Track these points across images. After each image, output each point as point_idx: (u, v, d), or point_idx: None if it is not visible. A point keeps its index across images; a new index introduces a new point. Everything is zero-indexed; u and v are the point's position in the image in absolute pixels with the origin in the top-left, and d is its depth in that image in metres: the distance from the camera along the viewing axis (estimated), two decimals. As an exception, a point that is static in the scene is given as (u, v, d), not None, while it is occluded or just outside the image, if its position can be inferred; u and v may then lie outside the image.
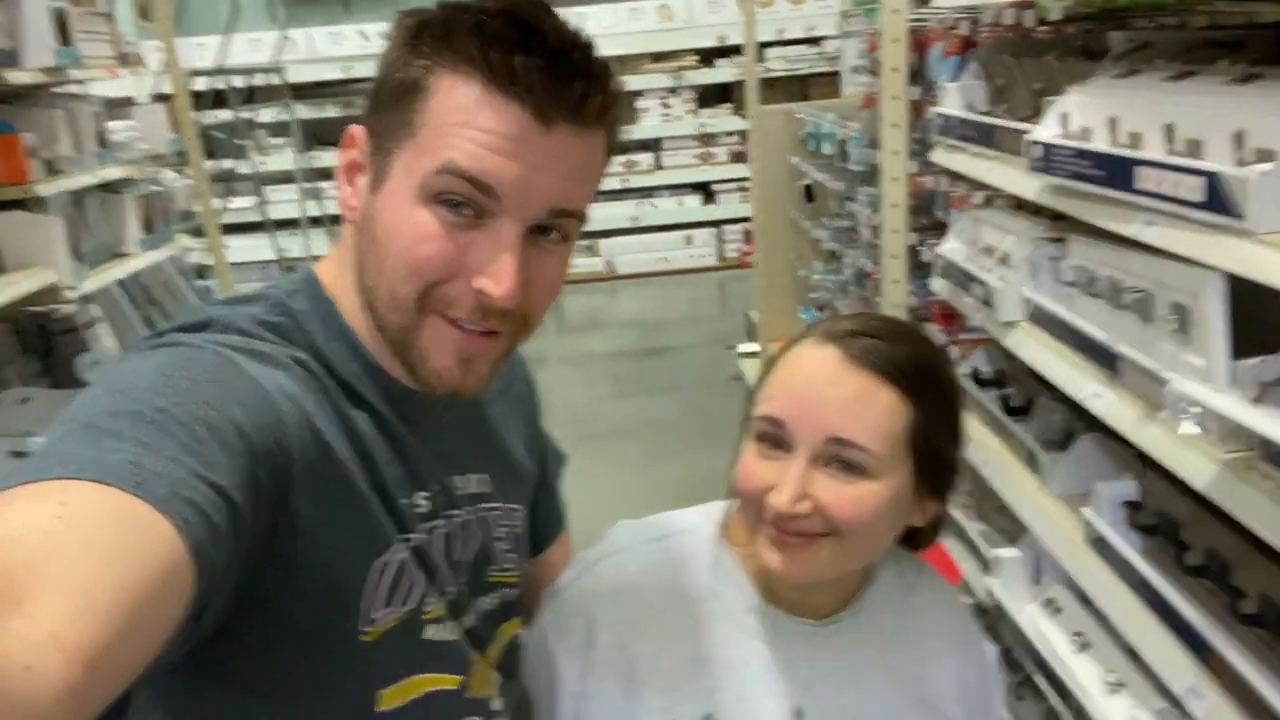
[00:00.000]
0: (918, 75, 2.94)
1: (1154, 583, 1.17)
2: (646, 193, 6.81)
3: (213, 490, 0.58)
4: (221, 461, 0.60)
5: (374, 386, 0.79)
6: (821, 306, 4.60)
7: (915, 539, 0.93)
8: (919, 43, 2.98)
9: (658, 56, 6.63)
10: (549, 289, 0.77)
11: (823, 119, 4.21)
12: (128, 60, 3.17)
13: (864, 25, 4.13)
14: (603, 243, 6.82)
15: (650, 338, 5.67)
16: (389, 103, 0.73)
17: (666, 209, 6.83)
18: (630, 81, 6.59)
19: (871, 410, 0.80)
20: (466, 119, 0.70)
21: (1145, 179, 1.07)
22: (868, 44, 3.45)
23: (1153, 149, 1.10)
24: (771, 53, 6.54)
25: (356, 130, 0.77)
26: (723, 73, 6.55)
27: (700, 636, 0.87)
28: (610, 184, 6.70)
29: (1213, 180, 0.96)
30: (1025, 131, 1.36)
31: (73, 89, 3.07)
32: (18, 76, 2.50)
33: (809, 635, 0.88)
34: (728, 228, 6.77)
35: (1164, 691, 1.23)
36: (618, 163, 6.70)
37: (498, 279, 0.72)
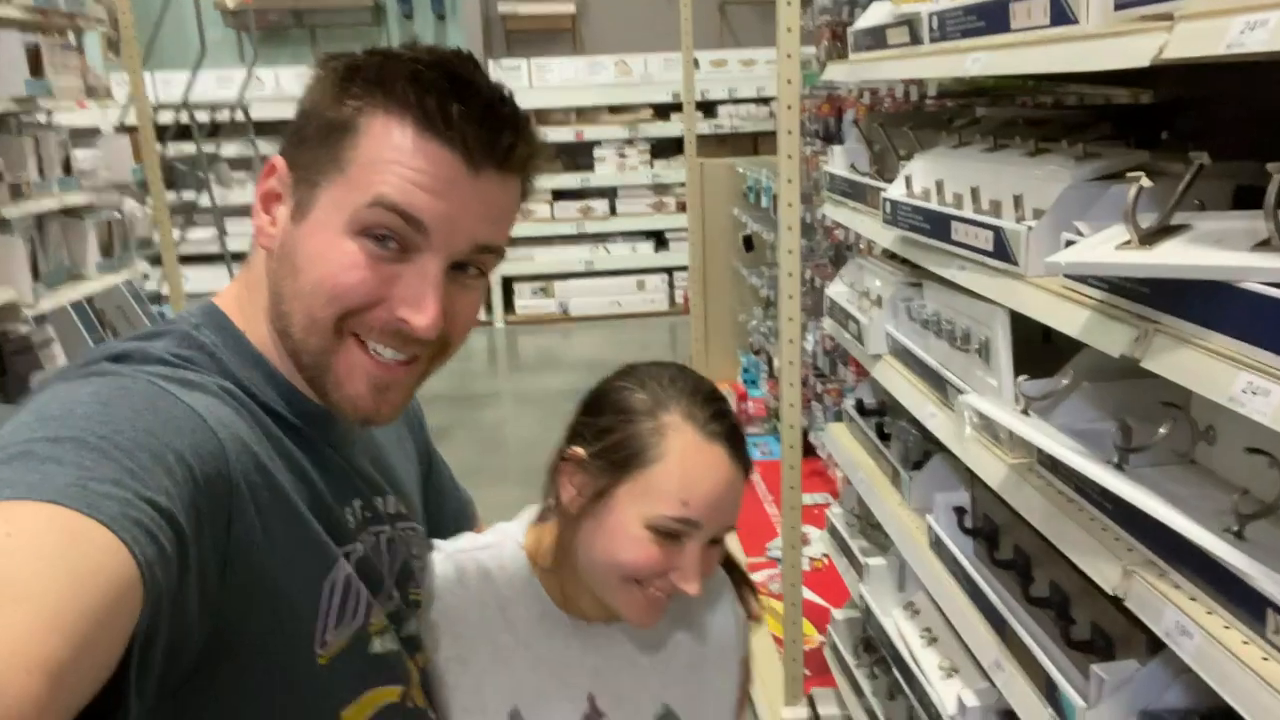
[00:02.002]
0: (834, 136, 3.20)
1: (970, 573, 1.36)
2: (601, 238, 7.05)
3: (159, 513, 0.57)
4: (166, 487, 0.60)
5: (292, 409, 0.80)
6: (757, 350, 4.83)
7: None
8: (837, 109, 3.26)
9: (615, 109, 6.92)
10: (466, 321, 0.82)
11: (760, 174, 4.48)
12: (95, 93, 3.33)
13: (805, 89, 4.40)
14: (558, 285, 7.02)
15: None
16: (316, 139, 0.76)
17: (620, 254, 7.06)
18: (588, 132, 6.87)
19: (740, 498, 0.97)
20: (399, 158, 0.73)
21: (958, 232, 1.29)
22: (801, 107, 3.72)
23: (966, 207, 1.32)
24: (724, 110, 6.87)
25: (278, 161, 0.79)
26: (676, 126, 6.84)
27: (498, 642, 1.00)
28: (566, 229, 6.94)
29: (998, 234, 1.18)
30: (883, 189, 1.58)
31: (40, 118, 3.23)
32: (-9, 105, 2.65)
33: (597, 633, 1.03)
34: (679, 274, 7.01)
35: (985, 673, 1.42)
36: (574, 208, 6.92)
37: (422, 310, 0.75)
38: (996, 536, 1.41)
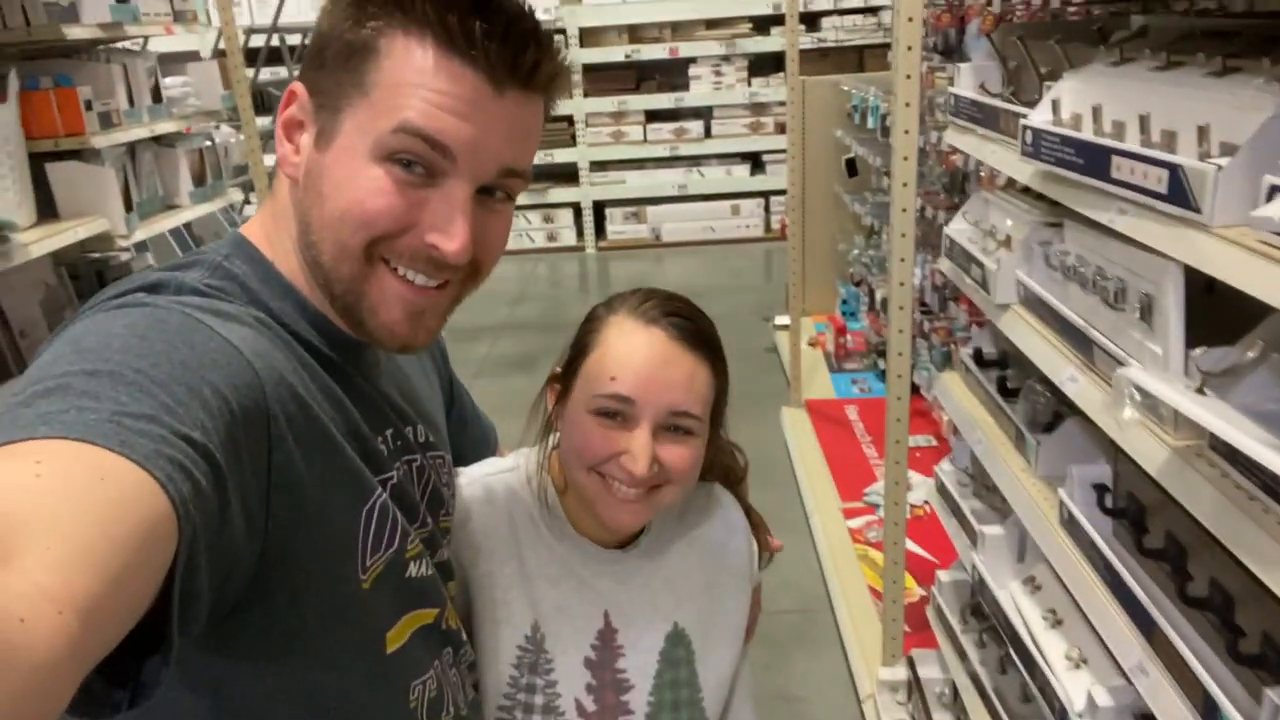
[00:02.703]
0: (955, 51, 2.91)
1: (1113, 563, 1.20)
2: (695, 161, 6.81)
3: (194, 449, 0.58)
4: (202, 421, 0.60)
5: (325, 339, 0.80)
6: (859, 281, 4.60)
7: (729, 479, 1.15)
8: (960, 19, 2.95)
9: (711, 23, 6.59)
10: (496, 245, 0.81)
11: (867, 92, 4.18)
12: (184, 17, 3.28)
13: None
14: (649, 210, 6.85)
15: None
16: (336, 62, 0.75)
17: (715, 178, 6.82)
18: (683, 49, 6.58)
19: (697, 383, 0.97)
20: (422, 80, 0.72)
21: (1119, 169, 1.09)
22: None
23: (1134, 139, 1.11)
24: (827, 22, 6.46)
25: (297, 87, 0.78)
26: (776, 41, 6.49)
27: (524, 558, 1.04)
28: (658, 151, 6.73)
29: (1175, 172, 0.98)
30: (1023, 115, 1.37)
31: (131, 45, 3.20)
32: (75, 32, 2.61)
33: (614, 558, 1.06)
34: (775, 199, 6.74)
35: (1121, 669, 1.26)
36: (667, 130, 6.70)
37: (451, 235, 0.75)
38: (1144, 520, 1.24)
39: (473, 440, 1.17)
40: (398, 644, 0.84)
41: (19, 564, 0.45)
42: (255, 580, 0.67)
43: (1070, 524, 1.33)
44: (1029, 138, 1.31)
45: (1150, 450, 1.07)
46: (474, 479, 1.08)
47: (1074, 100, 1.26)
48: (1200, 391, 0.95)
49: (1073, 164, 1.20)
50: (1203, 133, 0.97)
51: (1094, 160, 1.14)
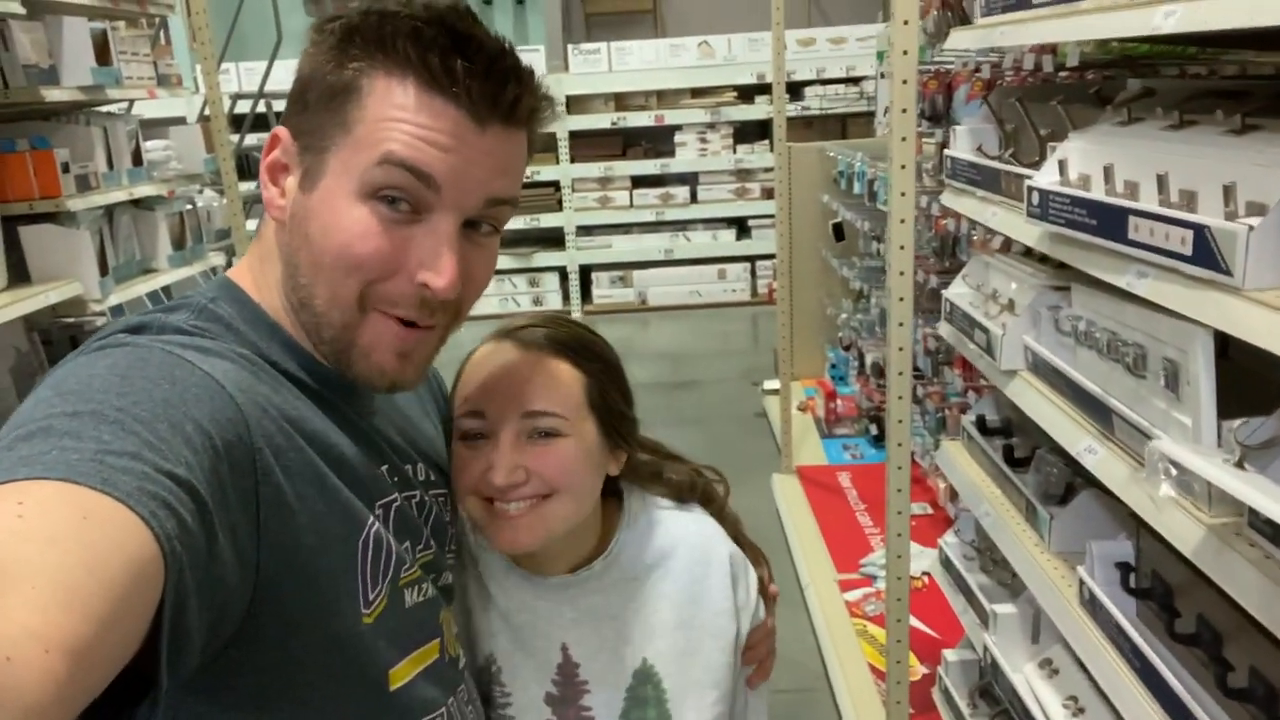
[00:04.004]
0: (943, 117, 2.92)
1: (1143, 649, 1.12)
2: (681, 226, 6.82)
3: (178, 485, 0.57)
4: (186, 457, 0.59)
5: (314, 378, 0.79)
6: (848, 345, 4.55)
7: (692, 497, 1.09)
8: (946, 85, 2.97)
9: (697, 92, 6.67)
10: (481, 280, 0.81)
11: (853, 158, 4.19)
12: (168, 82, 3.25)
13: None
14: (636, 274, 6.84)
15: (680, 370, 5.65)
16: (320, 104, 0.75)
17: (701, 242, 6.83)
18: (668, 116, 6.64)
19: (552, 380, 0.94)
20: (404, 115, 0.73)
21: (1137, 230, 1.04)
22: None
23: (1148, 199, 1.06)
24: (810, 91, 6.55)
25: (281, 131, 0.78)
26: (760, 109, 6.57)
27: (483, 590, 1.01)
28: (645, 216, 6.75)
29: (1201, 233, 0.93)
30: (1027, 177, 1.33)
31: (114, 108, 3.16)
32: (54, 94, 2.57)
33: (565, 585, 1.01)
34: (761, 263, 6.75)
35: (1154, 765, 1.17)
36: (653, 195, 6.72)
37: (440, 271, 0.75)
38: (1171, 601, 1.16)
39: None
40: (401, 681, 0.81)
41: (2, 605, 0.44)
42: (249, 618, 0.66)
43: (1092, 604, 1.25)
44: (1035, 199, 1.27)
45: (1183, 528, 1.00)
46: None
47: (1082, 161, 1.22)
48: (1240, 466, 0.88)
49: (1085, 225, 1.15)
50: (1228, 192, 0.92)
51: (1109, 221, 1.09)
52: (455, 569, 0.98)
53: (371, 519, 0.79)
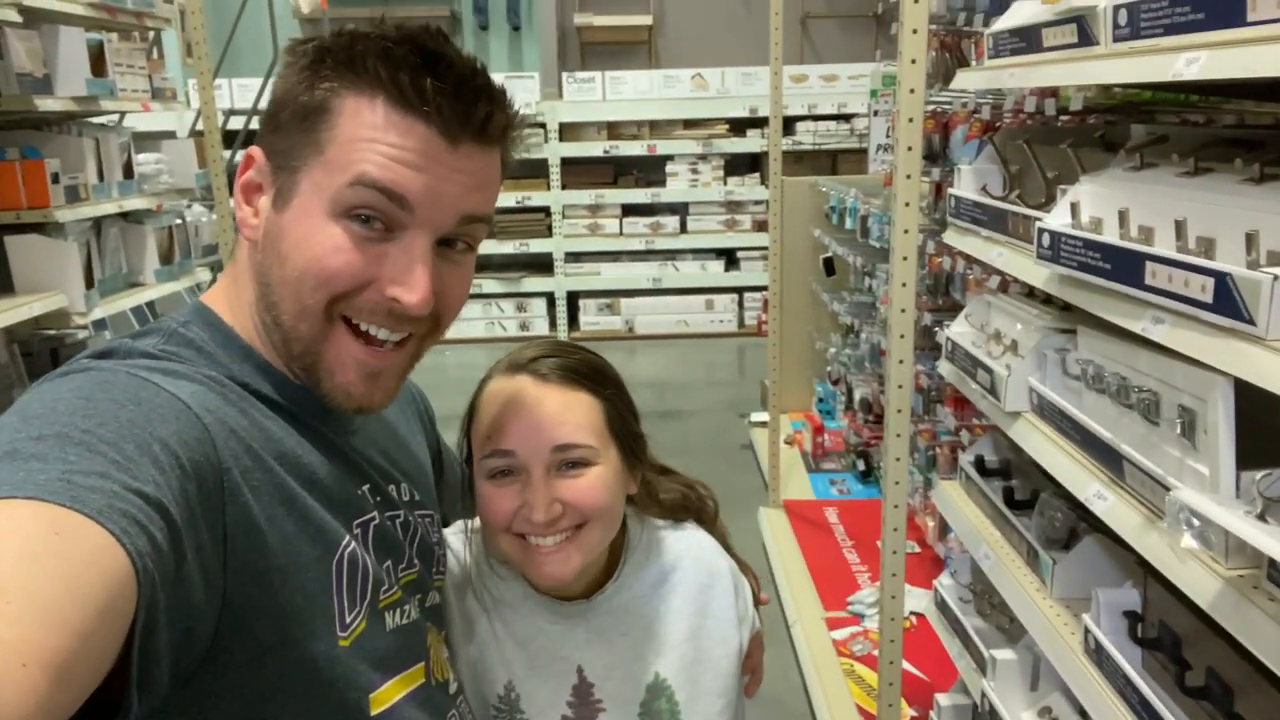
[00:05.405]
0: (939, 156, 2.94)
1: (1152, 701, 1.09)
2: (670, 255, 6.83)
3: (148, 504, 0.57)
4: (154, 477, 0.59)
5: (288, 398, 0.79)
6: (836, 380, 4.55)
7: (688, 514, 1.12)
8: (943, 125, 2.99)
9: (689, 123, 6.71)
10: (457, 297, 0.81)
11: (846, 194, 4.22)
12: (162, 95, 3.22)
13: (893, 104, 4.15)
14: (624, 302, 6.84)
15: (666, 400, 5.63)
16: (292, 124, 0.75)
17: (689, 272, 6.84)
18: (660, 146, 6.68)
19: (575, 412, 0.96)
20: (376, 135, 0.73)
21: (1154, 275, 1.03)
22: (893, 123, 3.47)
23: (1163, 245, 1.06)
24: (802, 126, 6.61)
25: (255, 151, 0.79)
26: (752, 143, 6.61)
27: (497, 615, 1.02)
28: (634, 245, 6.76)
29: (1223, 281, 0.92)
30: (1036, 219, 1.32)
31: (107, 120, 3.13)
32: (48, 104, 2.54)
33: (580, 609, 1.02)
34: (749, 295, 6.77)
35: (1160, 821, 1.14)
36: (643, 224, 6.73)
37: (412, 287, 0.75)
38: (1179, 652, 1.14)
39: (465, 511, 1.13)
40: (384, 705, 0.79)
41: None
42: (218, 641, 0.65)
43: (1098, 653, 1.23)
44: (1046, 240, 1.26)
45: (1199, 579, 0.98)
46: (447, 538, 1.06)
47: (1094, 204, 1.22)
48: (1262, 518, 0.87)
49: (1098, 269, 1.14)
50: (1250, 240, 0.91)
51: (1124, 266, 1.09)
52: (452, 596, 0.99)
53: (348, 539, 0.78)
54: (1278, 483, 0.87)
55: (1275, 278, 0.86)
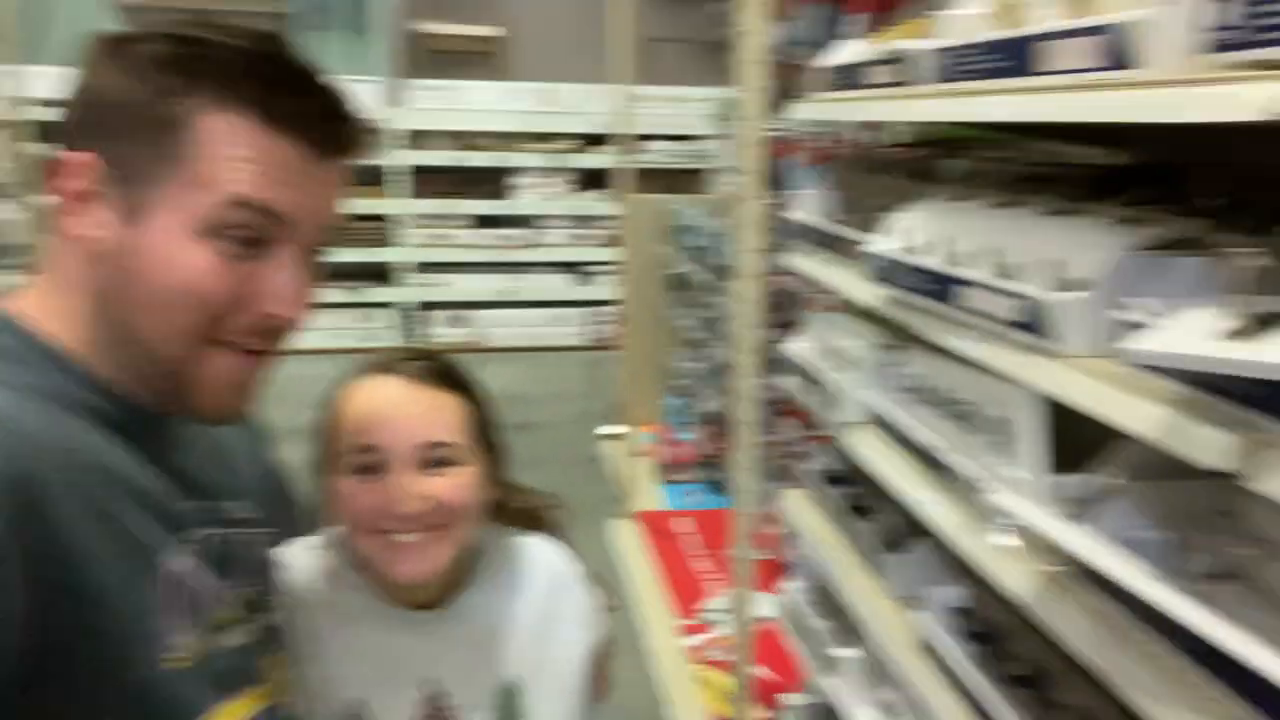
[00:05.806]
0: (779, 181, 3.07)
1: (976, 692, 1.19)
2: (520, 268, 6.81)
3: None
4: None
5: (114, 411, 0.77)
6: (684, 393, 4.66)
7: (535, 525, 1.14)
8: (778, 150, 3.13)
9: (538, 137, 6.72)
10: (309, 304, 0.83)
11: (693, 212, 4.34)
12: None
13: (735, 129, 4.29)
14: (474, 313, 6.75)
15: (516, 412, 5.57)
16: (140, 135, 0.73)
17: (539, 285, 6.84)
18: (509, 158, 6.64)
19: (444, 413, 0.98)
20: (247, 155, 0.73)
21: (972, 298, 1.12)
22: (736, 146, 3.60)
23: (978, 268, 1.15)
24: (648, 145, 6.73)
25: (89, 157, 0.74)
26: (602, 158, 6.69)
27: (341, 633, 1.00)
28: (483, 256, 6.68)
29: (1029, 304, 1.01)
30: (866, 243, 1.41)
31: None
32: None
33: (430, 620, 1.02)
34: (599, 309, 6.82)
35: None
36: (493, 235, 6.64)
37: (290, 303, 0.77)
38: (1004, 644, 1.24)
39: (310, 526, 1.10)
40: None
41: None
42: (34, 660, 0.63)
43: (931, 650, 1.32)
44: (876, 263, 1.35)
45: (1015, 576, 1.07)
46: (285, 557, 1.03)
47: (920, 230, 1.31)
48: (1069, 519, 0.96)
49: (923, 290, 1.23)
50: (1056, 266, 1.01)
51: (945, 289, 1.18)
52: (297, 615, 0.96)
53: (171, 556, 0.76)
54: (1073, 484, 0.96)
55: (1074, 299, 0.96)
